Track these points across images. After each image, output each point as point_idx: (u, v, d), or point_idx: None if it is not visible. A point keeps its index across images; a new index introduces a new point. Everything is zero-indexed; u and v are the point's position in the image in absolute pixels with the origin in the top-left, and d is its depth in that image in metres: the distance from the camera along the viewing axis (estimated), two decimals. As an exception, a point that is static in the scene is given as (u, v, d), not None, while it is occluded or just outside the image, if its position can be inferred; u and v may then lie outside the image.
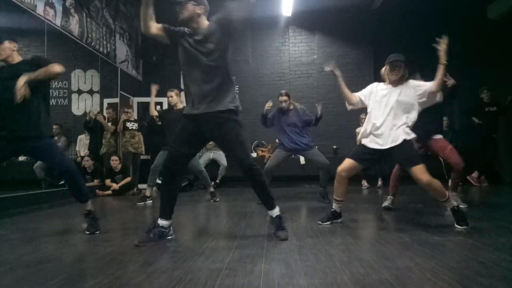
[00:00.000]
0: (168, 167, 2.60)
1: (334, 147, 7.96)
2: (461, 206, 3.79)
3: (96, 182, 6.43)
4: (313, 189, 6.41)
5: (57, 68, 2.79)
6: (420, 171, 2.82)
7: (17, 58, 2.91)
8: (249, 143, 2.59)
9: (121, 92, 7.51)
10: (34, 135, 2.78)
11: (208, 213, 4.23)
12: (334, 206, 3.19)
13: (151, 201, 5.01)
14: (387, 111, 3.04)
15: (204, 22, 2.62)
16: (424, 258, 2.02)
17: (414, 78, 3.42)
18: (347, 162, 3.15)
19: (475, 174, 6.62)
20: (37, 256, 2.27)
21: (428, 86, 3.02)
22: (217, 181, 7.24)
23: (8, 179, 6.37)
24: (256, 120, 8.81)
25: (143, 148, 6.86)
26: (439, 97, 3.08)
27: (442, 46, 2.92)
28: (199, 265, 1.99)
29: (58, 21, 5.19)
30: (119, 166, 6.37)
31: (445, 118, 7.28)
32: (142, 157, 6.98)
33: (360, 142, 3.24)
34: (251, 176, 2.63)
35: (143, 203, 4.95)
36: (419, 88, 3.05)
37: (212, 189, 5.23)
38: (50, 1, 4.97)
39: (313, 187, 6.81)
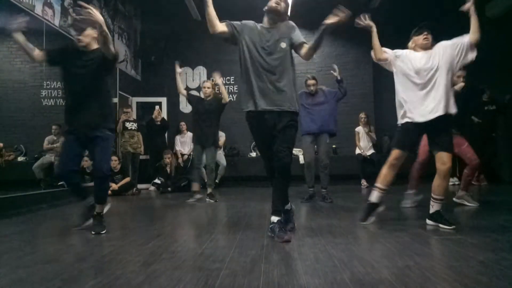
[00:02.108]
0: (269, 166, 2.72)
1: (334, 146, 7.95)
2: (471, 204, 3.90)
3: (95, 182, 6.43)
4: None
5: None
6: (449, 158, 2.83)
7: (94, 46, 2.99)
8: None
9: (120, 92, 7.50)
10: (99, 125, 2.93)
11: (208, 213, 4.23)
12: (375, 197, 3.05)
13: (200, 196, 5.11)
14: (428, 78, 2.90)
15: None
16: (424, 257, 2.03)
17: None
18: (398, 153, 3.00)
19: (474, 173, 6.63)
20: (36, 257, 2.26)
21: (464, 39, 2.87)
22: (216, 180, 7.23)
23: (7, 180, 6.36)
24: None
25: (142, 148, 6.85)
26: (472, 55, 2.92)
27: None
28: (199, 265, 1.99)
29: (56, 21, 5.19)
30: (118, 166, 6.36)
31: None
32: (141, 157, 6.97)
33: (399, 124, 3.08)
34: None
35: (194, 199, 5.07)
36: (455, 45, 2.89)
37: (211, 190, 5.22)
38: (48, 1, 4.96)
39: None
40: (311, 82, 4.80)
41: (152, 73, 8.67)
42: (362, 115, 7.26)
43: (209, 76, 8.79)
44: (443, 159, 2.83)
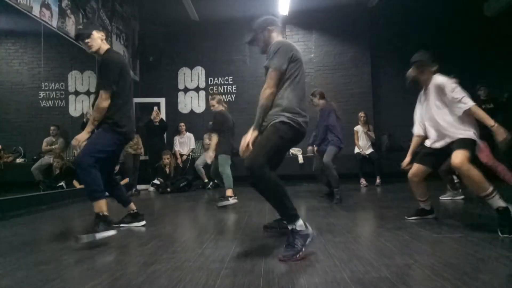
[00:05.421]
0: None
1: (333, 145, 7.95)
2: (457, 197, 4.21)
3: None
4: (311, 188, 6.41)
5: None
6: (460, 155, 2.71)
7: (104, 49, 2.95)
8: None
9: (119, 93, 7.48)
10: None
11: (207, 213, 4.23)
12: (422, 205, 3.15)
13: (235, 200, 4.79)
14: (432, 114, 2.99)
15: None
16: (423, 256, 2.03)
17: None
18: (415, 167, 3.03)
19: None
20: (36, 258, 2.26)
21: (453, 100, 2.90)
22: (216, 181, 7.22)
23: (6, 181, 6.34)
24: (253, 120, 8.84)
25: (142, 150, 6.86)
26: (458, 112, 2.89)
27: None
28: (199, 265, 1.99)
29: (54, 22, 5.17)
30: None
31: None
32: (141, 157, 6.98)
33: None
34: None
35: (225, 203, 4.67)
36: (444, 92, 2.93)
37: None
38: (46, 2, 4.94)
39: (311, 186, 6.82)
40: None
41: (150, 74, 8.67)
42: (361, 114, 7.27)
43: (207, 76, 8.82)
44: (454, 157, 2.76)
